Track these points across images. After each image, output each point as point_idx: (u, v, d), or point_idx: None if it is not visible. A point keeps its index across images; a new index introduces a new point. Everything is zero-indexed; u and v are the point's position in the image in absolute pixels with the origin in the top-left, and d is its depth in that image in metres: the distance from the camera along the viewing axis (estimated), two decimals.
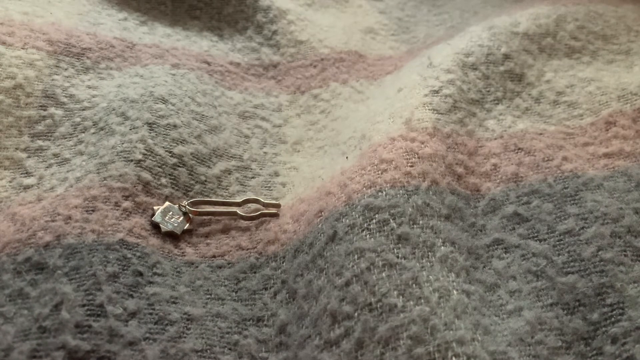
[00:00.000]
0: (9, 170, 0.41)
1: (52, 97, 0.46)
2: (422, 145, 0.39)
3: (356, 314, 0.31)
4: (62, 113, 0.46)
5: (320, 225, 0.37)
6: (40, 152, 0.43)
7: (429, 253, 0.33)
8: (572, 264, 0.34)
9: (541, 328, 0.32)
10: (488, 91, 0.47)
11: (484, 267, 0.35)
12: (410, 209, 0.35)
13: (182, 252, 0.38)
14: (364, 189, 0.37)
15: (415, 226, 0.34)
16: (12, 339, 0.31)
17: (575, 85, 0.48)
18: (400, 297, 0.31)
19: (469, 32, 0.53)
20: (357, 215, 0.35)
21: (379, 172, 0.38)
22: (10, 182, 0.41)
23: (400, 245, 0.33)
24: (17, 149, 0.43)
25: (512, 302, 0.33)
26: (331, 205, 0.37)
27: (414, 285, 0.31)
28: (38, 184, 0.41)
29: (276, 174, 0.46)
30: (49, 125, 0.45)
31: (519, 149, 0.42)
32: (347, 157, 0.42)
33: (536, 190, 0.39)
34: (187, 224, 0.40)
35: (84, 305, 0.32)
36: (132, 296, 0.33)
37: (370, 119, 0.46)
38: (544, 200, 0.38)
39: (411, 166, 0.38)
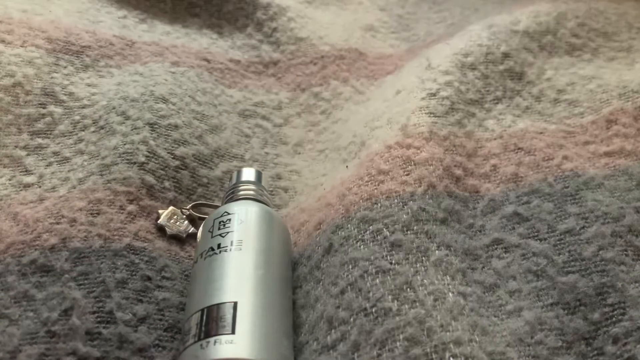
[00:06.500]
0: (8, 168, 0.41)
1: (51, 95, 0.46)
2: (418, 151, 0.39)
3: (352, 319, 0.31)
4: (62, 111, 0.45)
5: (317, 238, 0.37)
6: (40, 150, 0.43)
7: (423, 258, 0.33)
8: (572, 263, 0.34)
9: (541, 328, 0.32)
10: (487, 91, 0.47)
11: (483, 267, 0.35)
12: (404, 216, 0.35)
13: (189, 255, 0.38)
14: (361, 201, 0.37)
15: (409, 232, 0.34)
16: (19, 341, 0.31)
17: (576, 83, 0.48)
18: (395, 301, 0.31)
19: (469, 31, 0.53)
20: (352, 228, 0.35)
21: (376, 183, 0.38)
22: (9, 179, 0.41)
23: (393, 251, 0.33)
24: (16, 146, 0.43)
25: (511, 302, 0.33)
26: (330, 217, 0.38)
27: (408, 289, 0.31)
28: (38, 182, 0.41)
29: (278, 177, 0.46)
30: (48, 123, 0.45)
31: (519, 148, 0.42)
32: (347, 166, 0.42)
33: (536, 190, 0.39)
34: (192, 228, 0.40)
35: (94, 312, 0.32)
36: (141, 301, 0.34)
37: (369, 123, 0.46)
38: (544, 199, 0.38)
39: (407, 174, 0.38)
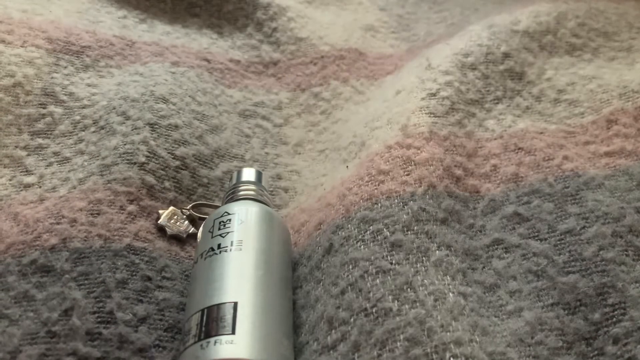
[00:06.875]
0: (8, 168, 0.41)
1: (51, 95, 0.46)
2: (418, 151, 0.39)
3: (352, 319, 0.31)
4: (62, 111, 0.45)
5: (318, 239, 0.37)
6: (40, 151, 0.43)
7: (423, 258, 0.33)
8: (573, 263, 0.34)
9: (541, 328, 0.32)
10: (488, 91, 0.47)
11: (484, 267, 0.35)
12: (405, 216, 0.35)
13: (189, 256, 0.38)
14: (361, 201, 0.37)
15: (409, 232, 0.34)
16: (19, 341, 0.31)
17: (576, 83, 0.48)
18: (395, 301, 0.31)
19: (469, 31, 0.53)
20: (352, 228, 0.35)
21: (376, 183, 0.38)
22: (10, 180, 0.41)
23: (393, 252, 0.33)
24: (16, 147, 0.43)
25: (512, 303, 0.33)
26: (330, 217, 0.38)
27: (408, 289, 0.31)
28: (39, 182, 0.41)
29: (278, 177, 0.46)
30: (48, 123, 0.45)
31: (519, 148, 0.42)
32: (347, 166, 0.42)
33: (536, 190, 0.38)
34: (192, 228, 0.40)
35: (94, 313, 0.32)
36: (141, 301, 0.34)
37: (369, 123, 0.46)
38: (544, 199, 0.38)
39: (407, 174, 0.38)
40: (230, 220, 0.35)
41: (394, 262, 0.33)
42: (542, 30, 0.52)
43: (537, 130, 0.44)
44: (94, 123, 0.45)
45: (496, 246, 0.36)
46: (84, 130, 0.44)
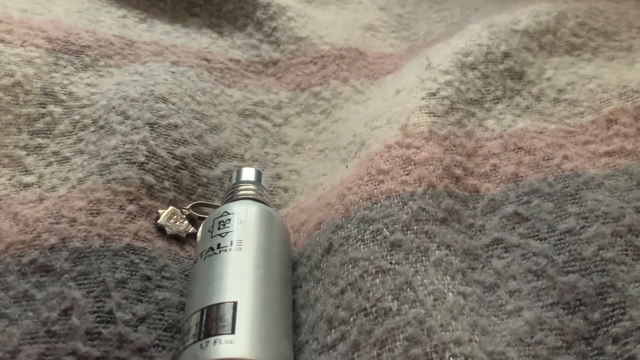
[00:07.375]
0: (8, 167, 0.41)
1: (51, 95, 0.46)
2: (418, 151, 0.39)
3: (352, 319, 0.31)
4: (61, 111, 0.45)
5: (317, 238, 0.37)
6: (40, 150, 0.43)
7: (423, 257, 0.33)
8: (572, 263, 0.34)
9: (541, 328, 0.32)
10: (487, 90, 0.47)
11: (483, 267, 0.35)
12: (404, 216, 0.35)
13: (189, 255, 0.38)
14: (361, 200, 0.37)
15: (408, 232, 0.34)
16: (19, 341, 0.31)
17: (576, 82, 0.48)
18: (395, 301, 0.31)
19: (469, 30, 0.53)
20: (352, 228, 0.35)
21: (376, 183, 0.38)
22: (9, 179, 0.41)
23: (393, 251, 0.33)
24: (16, 146, 0.43)
25: (511, 302, 0.33)
26: (330, 217, 0.38)
27: (408, 289, 0.31)
28: (38, 182, 0.41)
29: (278, 177, 0.46)
30: (48, 122, 0.45)
31: (519, 148, 0.42)
32: (347, 166, 0.42)
33: (536, 190, 0.38)
34: (191, 228, 0.40)
35: (94, 312, 0.32)
36: (141, 301, 0.34)
37: (369, 122, 0.46)
38: (544, 199, 0.38)
39: (407, 174, 0.38)
40: (229, 220, 0.35)
41: (393, 261, 0.33)
42: (542, 30, 0.52)
43: (537, 130, 0.44)
44: (93, 123, 0.45)
45: (496, 246, 0.36)
46: (83, 130, 0.44)
